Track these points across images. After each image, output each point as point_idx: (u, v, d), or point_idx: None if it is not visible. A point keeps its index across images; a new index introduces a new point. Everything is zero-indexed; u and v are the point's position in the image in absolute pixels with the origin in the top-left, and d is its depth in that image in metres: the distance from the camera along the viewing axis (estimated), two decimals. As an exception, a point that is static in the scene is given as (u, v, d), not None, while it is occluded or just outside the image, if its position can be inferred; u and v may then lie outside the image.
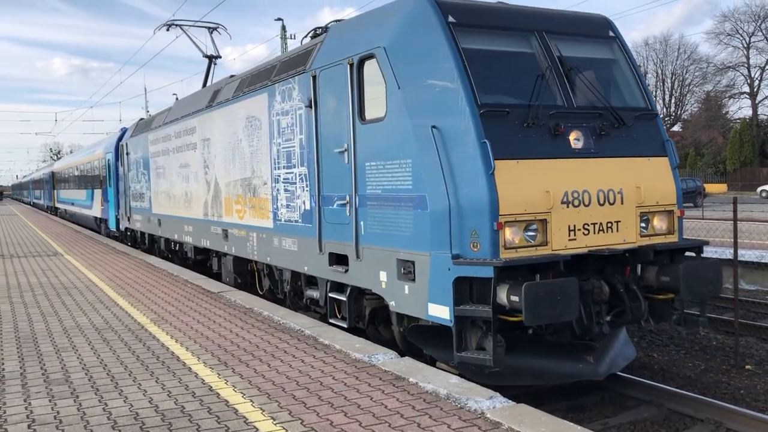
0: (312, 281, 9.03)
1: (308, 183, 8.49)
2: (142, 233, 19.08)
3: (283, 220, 9.26)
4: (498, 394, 5.17)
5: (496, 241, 6.01)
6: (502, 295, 5.85)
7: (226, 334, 7.68)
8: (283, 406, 5.13)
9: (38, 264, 15.70)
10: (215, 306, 9.58)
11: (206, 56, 17.50)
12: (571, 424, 4.61)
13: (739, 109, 72.39)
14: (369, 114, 7.23)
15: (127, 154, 19.73)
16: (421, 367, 6.06)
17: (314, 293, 8.87)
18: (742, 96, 67.99)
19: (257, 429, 4.66)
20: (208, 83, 16.73)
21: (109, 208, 23.82)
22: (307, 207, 8.54)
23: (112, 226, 23.45)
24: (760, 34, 64.56)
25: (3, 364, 6.66)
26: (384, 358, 6.42)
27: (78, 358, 6.80)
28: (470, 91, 6.25)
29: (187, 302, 9.95)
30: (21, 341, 7.64)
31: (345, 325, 7.88)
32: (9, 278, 13.27)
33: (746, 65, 66.16)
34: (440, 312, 6.20)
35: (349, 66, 7.48)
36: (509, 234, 6.08)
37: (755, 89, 66.24)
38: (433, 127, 6.28)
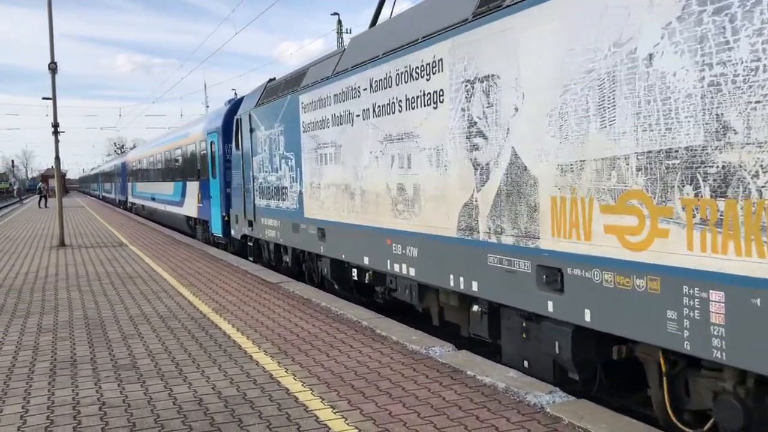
0: None
1: None
2: (279, 246, 12.86)
3: None
4: (557, 389, 5.11)
5: None
6: None
7: (286, 324, 7.81)
8: (342, 396, 5.19)
9: (104, 254, 16.26)
10: (274, 296, 9.74)
11: None
12: (634, 420, 4.51)
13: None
14: None
15: (251, 131, 13.57)
16: (479, 361, 6.04)
17: None
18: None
19: (317, 417, 4.73)
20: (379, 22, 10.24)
21: (212, 207, 17.93)
22: None
23: (217, 231, 17.49)
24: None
25: (75, 349, 6.94)
26: (441, 350, 6.42)
27: (144, 344, 7.03)
28: None
29: (247, 292, 10.16)
30: (90, 328, 7.94)
31: None
32: (78, 268, 13.80)
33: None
34: None
35: None
36: None
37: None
38: None
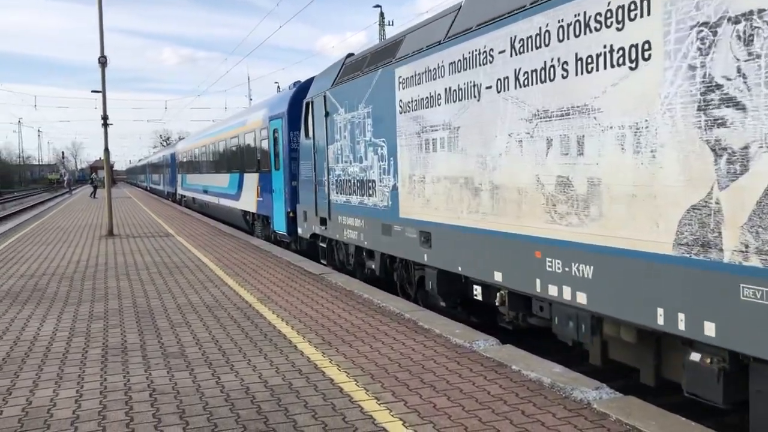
0: None
1: None
2: (361, 250, 11.07)
3: None
4: (605, 385, 5.04)
5: None
6: None
7: (329, 315, 7.87)
8: (386, 387, 5.22)
9: (152, 244, 16.61)
10: (317, 287, 9.82)
11: None
12: (684, 419, 4.43)
13: None
14: None
15: (326, 115, 11.77)
16: (524, 355, 5.99)
17: None
18: None
19: (362, 408, 4.76)
20: None
21: (274, 202, 16.43)
22: None
23: (280, 228, 15.95)
24: None
25: (125, 336, 7.12)
26: (485, 344, 6.40)
27: (191, 333, 7.17)
28: None
29: (290, 283, 10.26)
30: (139, 316, 8.13)
31: None
32: (126, 257, 14.12)
33: None
34: None
35: None
36: None
37: None
38: None
